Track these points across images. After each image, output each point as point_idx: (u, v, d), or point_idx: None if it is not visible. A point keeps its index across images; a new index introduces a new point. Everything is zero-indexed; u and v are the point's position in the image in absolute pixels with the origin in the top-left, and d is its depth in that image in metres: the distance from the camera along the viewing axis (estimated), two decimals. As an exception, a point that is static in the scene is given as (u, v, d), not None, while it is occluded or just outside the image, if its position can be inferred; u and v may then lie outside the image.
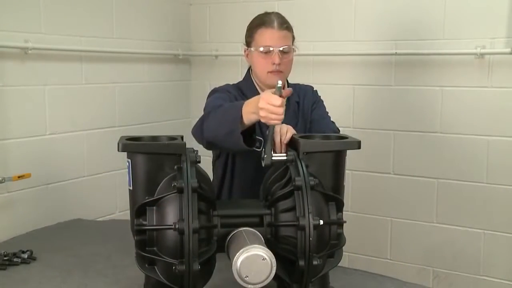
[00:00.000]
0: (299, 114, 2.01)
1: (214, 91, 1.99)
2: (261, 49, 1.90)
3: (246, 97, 1.96)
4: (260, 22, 1.95)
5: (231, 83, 2.09)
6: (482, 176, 2.65)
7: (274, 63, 1.90)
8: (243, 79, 2.08)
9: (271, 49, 1.89)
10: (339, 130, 2.02)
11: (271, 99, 1.48)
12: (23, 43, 2.32)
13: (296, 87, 2.06)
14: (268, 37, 1.91)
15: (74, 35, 2.57)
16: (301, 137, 1.62)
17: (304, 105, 2.02)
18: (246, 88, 2.01)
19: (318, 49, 2.94)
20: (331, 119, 2.06)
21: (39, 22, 2.41)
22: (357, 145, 1.58)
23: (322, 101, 2.10)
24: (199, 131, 1.74)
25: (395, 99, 2.81)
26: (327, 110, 2.09)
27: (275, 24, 1.90)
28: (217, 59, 3.26)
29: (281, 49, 1.90)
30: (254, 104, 1.54)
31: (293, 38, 2.00)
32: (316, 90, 2.12)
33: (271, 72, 1.92)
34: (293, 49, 1.97)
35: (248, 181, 1.95)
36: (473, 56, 2.58)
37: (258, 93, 1.98)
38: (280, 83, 1.47)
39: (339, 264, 1.55)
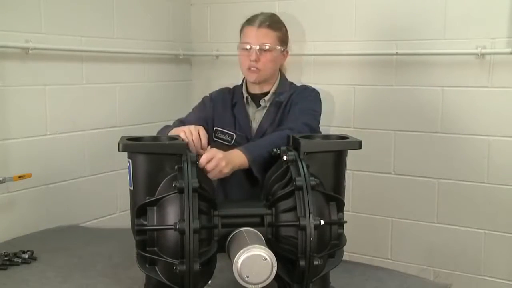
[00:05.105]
0: (277, 115, 1.99)
1: (203, 100, 2.10)
2: (242, 46, 1.97)
3: (233, 99, 2.05)
4: (246, 20, 2.01)
5: (231, 83, 2.13)
6: (483, 176, 2.65)
7: (250, 60, 1.94)
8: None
9: (250, 46, 1.94)
10: (309, 127, 1.87)
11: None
12: (24, 43, 2.32)
13: (292, 88, 2.05)
14: (248, 34, 1.97)
15: (75, 35, 2.57)
16: (302, 137, 1.62)
17: (287, 105, 1.99)
18: (236, 91, 2.08)
19: (319, 49, 2.93)
20: (308, 118, 1.93)
21: (40, 22, 2.41)
22: (357, 145, 1.59)
23: (311, 100, 1.99)
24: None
25: (396, 99, 2.81)
26: (313, 109, 1.97)
27: (256, 22, 1.95)
28: (217, 59, 3.26)
29: (259, 47, 1.93)
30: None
31: (282, 38, 1.99)
32: (308, 89, 2.04)
33: (248, 69, 1.97)
34: (282, 49, 1.99)
35: (229, 185, 1.95)
36: (473, 56, 2.58)
37: (242, 96, 2.03)
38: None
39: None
